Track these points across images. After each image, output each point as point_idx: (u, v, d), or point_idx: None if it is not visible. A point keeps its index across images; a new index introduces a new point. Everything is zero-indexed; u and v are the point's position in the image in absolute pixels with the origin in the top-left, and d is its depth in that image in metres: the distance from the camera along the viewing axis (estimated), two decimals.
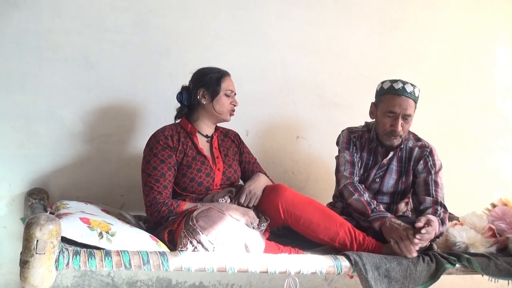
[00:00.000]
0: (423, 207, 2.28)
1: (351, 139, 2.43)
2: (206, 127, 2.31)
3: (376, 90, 2.41)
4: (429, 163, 2.37)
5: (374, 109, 2.41)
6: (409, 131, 2.43)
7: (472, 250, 2.13)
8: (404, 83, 2.30)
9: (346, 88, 2.95)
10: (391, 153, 2.40)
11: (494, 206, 2.40)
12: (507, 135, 3.28)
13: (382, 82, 2.37)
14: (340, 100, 2.95)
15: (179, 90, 2.32)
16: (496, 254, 2.15)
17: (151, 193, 2.09)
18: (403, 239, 2.03)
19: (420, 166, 2.37)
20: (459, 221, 2.35)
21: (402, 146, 2.40)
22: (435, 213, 2.20)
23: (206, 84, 2.25)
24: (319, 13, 2.92)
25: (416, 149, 2.40)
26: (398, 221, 2.10)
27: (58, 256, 1.60)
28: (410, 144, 2.42)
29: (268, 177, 2.39)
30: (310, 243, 2.15)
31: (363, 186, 2.36)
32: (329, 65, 2.95)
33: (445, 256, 2.07)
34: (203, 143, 2.30)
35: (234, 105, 2.29)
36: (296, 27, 2.90)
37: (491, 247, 2.17)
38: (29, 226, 1.55)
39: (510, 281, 2.13)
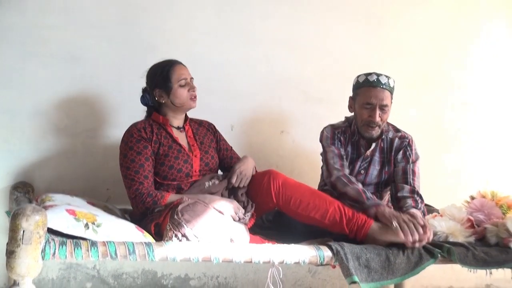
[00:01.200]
0: (401, 195, 2.37)
1: (336, 135, 2.49)
2: (175, 120, 2.35)
3: (353, 84, 2.49)
4: (407, 153, 2.46)
5: (352, 103, 2.49)
6: (388, 122, 2.51)
7: (451, 239, 2.19)
8: (378, 75, 2.38)
9: (330, 84, 3.00)
10: (373, 145, 2.47)
11: (472, 198, 2.45)
12: (488, 132, 3.35)
13: (358, 76, 2.45)
14: (324, 96, 3.00)
15: (141, 94, 2.36)
16: (474, 244, 2.20)
17: (133, 184, 2.12)
18: (407, 222, 2.04)
19: (400, 155, 2.46)
20: (439, 213, 2.40)
21: (383, 137, 2.47)
22: (416, 205, 2.28)
23: (158, 84, 2.29)
24: (304, 10, 2.96)
25: (396, 139, 2.49)
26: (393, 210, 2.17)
27: (45, 246, 1.61)
28: (390, 135, 2.50)
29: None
30: (294, 236, 2.19)
31: None
32: (313, 61, 3.00)
33: (429, 247, 2.10)
34: (177, 133, 2.33)
35: (193, 91, 2.30)
36: (281, 23, 2.93)
37: (469, 237, 2.22)
38: (15, 216, 1.56)
39: (487, 270, 2.17)
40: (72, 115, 2.56)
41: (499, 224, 2.23)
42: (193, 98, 2.31)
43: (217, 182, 2.26)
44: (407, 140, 2.49)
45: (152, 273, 2.68)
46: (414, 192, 2.38)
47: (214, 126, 2.51)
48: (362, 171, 2.49)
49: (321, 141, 2.53)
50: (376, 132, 2.42)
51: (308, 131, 2.85)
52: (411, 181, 2.40)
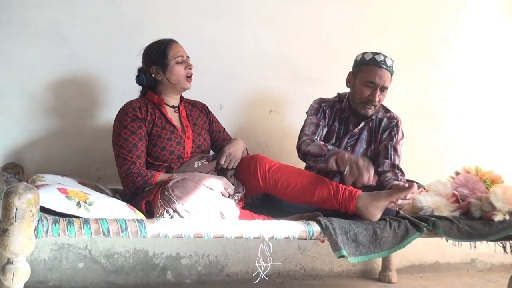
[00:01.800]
0: (381, 170, 2.41)
1: (322, 107, 2.53)
2: (171, 99, 2.36)
3: (356, 60, 2.50)
4: (393, 132, 2.50)
5: (352, 78, 2.50)
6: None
7: (437, 214, 2.24)
8: (385, 56, 2.41)
9: (318, 63, 3.02)
10: (362, 123, 2.51)
11: (457, 173, 2.51)
12: (473, 109, 3.40)
13: (364, 53, 2.46)
14: (312, 75, 3.02)
15: (136, 74, 2.36)
16: (459, 218, 2.26)
17: (125, 164, 2.14)
18: (358, 164, 2.05)
19: (385, 134, 2.51)
20: (425, 189, 2.46)
21: (373, 117, 2.51)
22: (396, 178, 2.32)
23: (155, 60, 2.29)
24: None
25: (385, 119, 2.53)
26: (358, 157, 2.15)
27: (37, 224, 1.63)
28: (380, 115, 2.54)
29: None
30: (283, 213, 2.22)
31: None
32: (302, 40, 3.01)
33: (415, 221, 2.15)
34: (171, 113, 2.34)
35: (190, 69, 2.31)
36: (269, 2, 2.93)
37: (454, 212, 2.28)
38: (7, 195, 1.58)
39: (471, 243, 2.24)
40: (61, 95, 2.55)
41: (483, 198, 2.29)
42: (189, 77, 2.31)
43: (206, 162, 2.29)
44: (395, 121, 2.53)
45: (144, 252, 2.70)
46: (394, 166, 2.41)
47: (207, 107, 2.53)
48: (349, 148, 2.52)
49: (306, 112, 2.57)
50: (371, 111, 2.46)
51: (296, 110, 2.87)
52: (392, 156, 2.44)
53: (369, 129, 2.53)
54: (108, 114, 2.63)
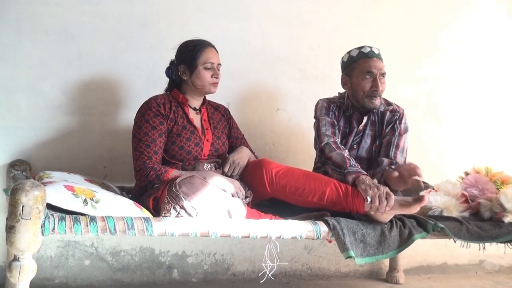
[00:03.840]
0: (379, 169, 2.36)
1: (331, 107, 2.51)
2: (194, 100, 2.36)
3: (343, 61, 2.52)
4: (395, 126, 2.47)
5: (347, 79, 2.49)
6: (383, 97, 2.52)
7: (446, 214, 2.22)
8: (370, 46, 2.45)
9: (326, 61, 2.99)
10: (365, 119, 2.49)
11: (467, 174, 2.48)
12: (482, 108, 3.37)
13: (349, 52, 2.49)
14: (320, 73, 3.00)
15: (168, 65, 2.36)
16: (468, 218, 2.23)
17: (141, 158, 2.14)
18: (381, 198, 2.01)
19: (389, 129, 2.48)
20: (434, 189, 2.43)
21: (375, 110, 2.49)
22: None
23: (185, 60, 2.29)
24: None
25: (388, 113, 2.51)
26: (375, 181, 2.12)
27: (44, 221, 1.63)
28: (382, 108, 2.52)
29: (253, 153, 2.47)
30: (290, 212, 2.21)
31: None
32: (309, 38, 2.99)
33: (422, 220, 2.13)
34: (193, 114, 2.35)
35: (216, 77, 2.30)
36: (276, 0, 2.91)
37: (464, 212, 2.26)
38: (14, 192, 1.57)
39: (480, 245, 2.21)
40: (68, 92, 2.55)
41: (493, 199, 2.26)
42: (214, 84, 2.30)
43: (214, 169, 2.28)
44: (398, 114, 2.50)
45: (150, 251, 2.70)
46: (392, 164, 2.36)
47: (229, 112, 2.53)
48: (355, 146, 2.50)
49: (315, 111, 2.55)
50: (378, 102, 2.44)
51: (304, 109, 2.85)
52: (393, 154, 2.41)
53: (372, 124, 2.51)
54: (115, 112, 2.64)
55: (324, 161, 2.38)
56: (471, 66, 3.33)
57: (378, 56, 2.44)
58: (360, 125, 2.49)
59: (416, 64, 3.21)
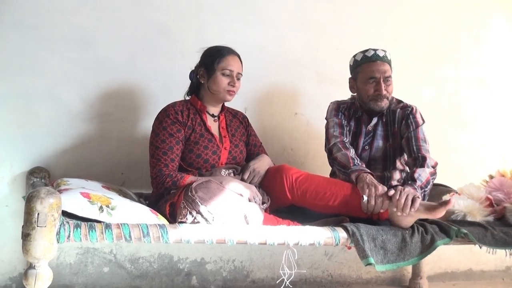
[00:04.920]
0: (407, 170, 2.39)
1: (340, 109, 2.53)
2: (212, 107, 2.35)
3: (350, 65, 2.53)
4: (409, 120, 2.43)
5: (354, 83, 2.51)
6: (393, 97, 2.51)
7: (469, 219, 2.14)
8: (375, 49, 2.42)
9: (344, 64, 2.92)
10: (375, 119, 2.47)
11: (491, 177, 2.40)
12: (505, 110, 3.28)
13: (354, 56, 2.49)
14: (338, 76, 2.94)
15: (192, 69, 2.36)
16: (493, 223, 2.16)
17: (158, 165, 2.13)
18: (377, 198, 2.03)
19: (403, 126, 2.44)
20: (456, 192, 2.36)
21: (387, 110, 2.47)
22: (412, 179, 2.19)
23: (205, 64, 2.29)
24: None
25: (398, 110, 2.48)
26: (376, 181, 2.11)
27: (59, 229, 1.62)
28: (393, 106, 2.50)
29: (272, 161, 2.44)
30: (309, 218, 2.17)
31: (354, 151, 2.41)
32: (327, 41, 2.95)
33: (445, 225, 2.07)
34: (211, 122, 2.34)
35: (233, 86, 2.27)
36: (293, 3, 2.89)
37: (488, 216, 2.18)
38: (30, 199, 1.57)
39: (507, 250, 2.13)
40: (86, 99, 2.56)
41: None
42: (230, 92, 2.28)
43: (232, 174, 2.27)
44: (409, 109, 2.46)
45: (168, 257, 2.69)
46: (417, 160, 2.30)
47: (248, 120, 2.52)
48: (367, 147, 2.48)
49: (326, 114, 2.57)
50: (385, 103, 2.42)
51: (322, 113, 2.79)
52: (415, 147, 2.35)
53: (384, 124, 2.48)
54: (133, 118, 2.64)
55: (331, 162, 2.40)
56: (493, 67, 3.24)
57: (383, 59, 2.40)
58: (369, 126, 2.48)
59: (437, 66, 3.14)
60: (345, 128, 2.47)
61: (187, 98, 2.39)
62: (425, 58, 3.11)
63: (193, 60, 2.36)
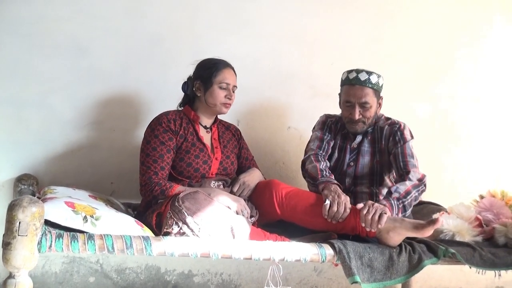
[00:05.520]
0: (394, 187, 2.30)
1: (327, 123, 2.54)
2: (205, 118, 2.35)
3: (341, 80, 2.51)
4: (396, 137, 2.40)
5: (339, 101, 2.50)
6: (380, 114, 2.50)
7: (458, 239, 2.13)
8: (358, 72, 2.36)
9: (338, 79, 2.92)
10: (359, 137, 2.47)
11: (482, 197, 2.40)
12: (499, 128, 3.27)
13: (343, 73, 2.46)
14: (332, 91, 2.90)
15: (184, 81, 2.36)
16: (482, 243, 2.14)
17: (147, 172, 2.12)
18: (339, 205, 2.04)
19: (391, 142, 2.42)
20: (446, 211, 2.35)
21: (375, 127, 2.46)
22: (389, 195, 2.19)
23: (201, 77, 2.29)
24: (312, 3, 2.91)
25: (386, 127, 2.46)
26: (342, 192, 2.12)
27: (41, 238, 1.60)
28: (381, 123, 2.48)
29: (263, 175, 2.43)
30: (297, 233, 2.15)
31: (329, 164, 2.43)
32: (322, 56, 2.95)
33: (432, 245, 2.05)
34: (203, 132, 2.34)
35: (229, 98, 2.29)
36: (288, 17, 2.89)
37: (477, 237, 2.17)
38: (11, 208, 1.56)
39: (496, 271, 2.12)
40: (78, 107, 2.55)
41: (508, 224, 2.18)
42: (226, 105, 2.30)
43: (222, 186, 2.26)
44: (397, 126, 2.43)
45: (156, 269, 2.66)
46: (402, 175, 2.30)
47: (240, 133, 2.53)
48: (352, 163, 2.46)
49: (313, 128, 2.58)
50: (360, 127, 2.41)
51: None
52: (402, 164, 2.33)
53: (371, 141, 2.46)
54: (124, 128, 2.63)
55: (304, 174, 2.40)
56: (487, 85, 3.24)
57: (364, 83, 2.34)
58: (353, 143, 2.46)
59: (432, 83, 3.14)
60: (325, 143, 2.47)
61: (180, 109, 2.39)
62: (419, 75, 3.11)
63: (187, 71, 2.37)
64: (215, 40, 2.74)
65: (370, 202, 2.05)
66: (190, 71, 2.37)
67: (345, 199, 2.07)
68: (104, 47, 2.58)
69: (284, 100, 2.90)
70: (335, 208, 2.04)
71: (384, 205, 2.09)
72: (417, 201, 2.25)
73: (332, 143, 2.49)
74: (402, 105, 2.97)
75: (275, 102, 2.89)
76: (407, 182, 2.22)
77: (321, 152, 2.42)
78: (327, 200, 2.07)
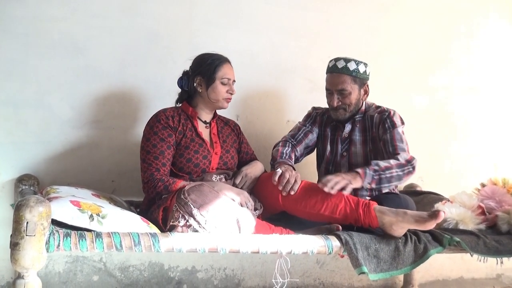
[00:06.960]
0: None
1: (312, 114, 2.59)
2: (204, 114, 2.35)
3: None
4: (386, 124, 2.40)
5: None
6: (370, 102, 2.52)
7: (461, 227, 2.15)
8: (337, 60, 2.42)
9: None
10: (348, 126, 2.48)
11: (483, 185, 2.42)
12: (496, 118, 3.30)
13: None
14: None
15: (180, 75, 2.35)
16: (485, 231, 2.17)
17: (149, 169, 2.12)
18: (291, 176, 2.11)
19: (381, 129, 2.42)
20: (449, 201, 2.37)
21: (365, 116, 2.47)
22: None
23: (202, 72, 2.28)
24: None
25: (376, 114, 2.46)
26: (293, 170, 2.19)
27: (49, 238, 1.60)
28: (371, 112, 2.49)
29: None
30: (301, 226, 2.16)
31: (324, 157, 2.50)
32: (319, 49, 2.95)
33: (437, 234, 2.06)
34: (202, 128, 2.33)
35: (231, 93, 2.30)
36: (285, 11, 2.89)
37: (480, 224, 2.19)
38: (19, 208, 1.55)
39: (498, 259, 2.14)
40: (76, 107, 2.53)
41: (511, 212, 2.19)
42: (228, 100, 2.31)
43: (224, 180, 2.26)
44: (387, 113, 2.43)
45: (159, 266, 2.66)
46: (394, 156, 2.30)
47: (239, 128, 2.53)
48: (345, 153, 2.48)
49: None
50: (341, 114, 2.44)
51: None
52: (390, 148, 2.34)
53: (361, 130, 2.47)
54: (123, 126, 2.61)
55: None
56: (484, 76, 3.27)
57: (341, 70, 2.37)
58: (344, 133, 2.48)
59: (429, 74, 3.16)
60: (300, 132, 2.53)
61: (178, 105, 2.38)
62: (417, 66, 3.13)
63: (185, 67, 2.36)
64: (212, 36, 2.74)
65: (338, 174, 2.15)
66: (187, 67, 2.36)
67: (297, 175, 2.13)
68: (101, 45, 2.56)
69: (283, 94, 2.91)
70: (287, 175, 2.10)
71: (357, 172, 2.15)
72: (402, 182, 2.26)
73: (311, 135, 2.53)
74: (399, 96, 2.99)
75: (273, 96, 2.89)
76: (392, 160, 2.25)
77: (292, 140, 2.50)
78: (278, 169, 2.14)
